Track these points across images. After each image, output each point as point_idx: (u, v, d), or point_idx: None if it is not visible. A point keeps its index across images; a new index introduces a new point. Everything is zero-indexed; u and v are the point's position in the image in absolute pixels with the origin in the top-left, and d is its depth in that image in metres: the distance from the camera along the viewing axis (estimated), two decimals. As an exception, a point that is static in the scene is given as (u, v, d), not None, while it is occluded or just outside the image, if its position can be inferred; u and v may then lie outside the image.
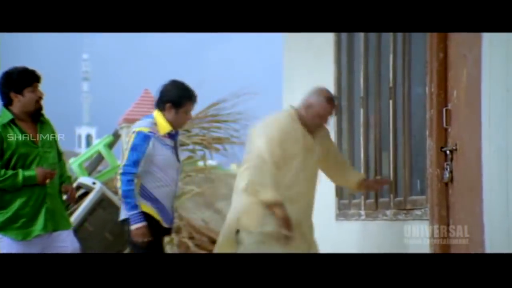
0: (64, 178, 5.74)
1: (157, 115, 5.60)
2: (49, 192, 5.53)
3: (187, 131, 12.02)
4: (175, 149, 5.65)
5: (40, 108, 5.53)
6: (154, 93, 5.75)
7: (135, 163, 5.48)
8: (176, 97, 5.58)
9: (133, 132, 5.56)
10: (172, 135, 5.63)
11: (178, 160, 5.68)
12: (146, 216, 5.51)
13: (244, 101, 11.89)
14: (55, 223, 5.54)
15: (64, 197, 5.73)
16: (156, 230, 5.57)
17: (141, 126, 5.57)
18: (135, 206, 5.46)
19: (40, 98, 5.52)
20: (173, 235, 11.58)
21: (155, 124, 5.57)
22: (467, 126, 5.33)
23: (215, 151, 12.08)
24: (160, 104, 5.61)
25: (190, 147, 12.11)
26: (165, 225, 5.64)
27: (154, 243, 5.51)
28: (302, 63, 7.25)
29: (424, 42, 5.72)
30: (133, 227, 5.45)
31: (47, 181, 5.45)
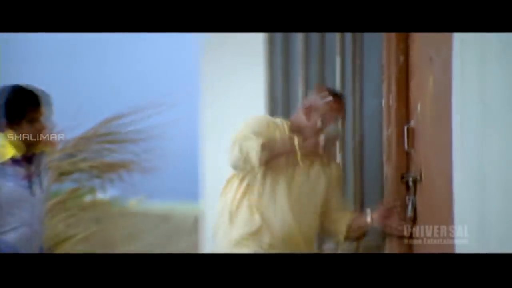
0: None
1: None
2: None
3: (71, 155, 11.93)
4: (28, 179, 5.39)
5: None
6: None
7: None
8: (9, 110, 5.29)
9: None
10: (20, 161, 5.37)
11: (35, 193, 5.39)
12: None
13: (148, 116, 11.91)
14: None
15: None
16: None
17: None
18: None
19: None
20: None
21: None
22: (435, 148, 5.42)
23: (108, 181, 12.05)
24: None
25: (75, 176, 12.02)
26: None
27: None
28: (224, 67, 7.36)
29: (380, 42, 5.83)
30: None
31: None
